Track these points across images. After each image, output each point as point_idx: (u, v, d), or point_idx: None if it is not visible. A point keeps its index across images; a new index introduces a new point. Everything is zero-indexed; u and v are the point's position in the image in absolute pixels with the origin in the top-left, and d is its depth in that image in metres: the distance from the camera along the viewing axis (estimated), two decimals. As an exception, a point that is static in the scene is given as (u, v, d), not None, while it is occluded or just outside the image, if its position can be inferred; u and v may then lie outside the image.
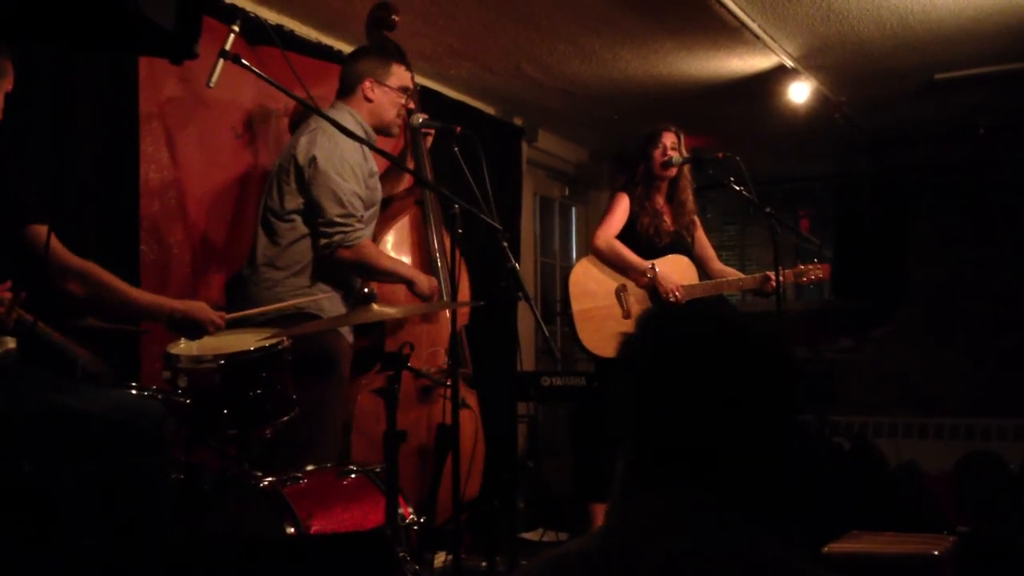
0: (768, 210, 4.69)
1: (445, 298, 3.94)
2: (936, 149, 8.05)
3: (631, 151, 8.12)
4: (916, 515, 4.77)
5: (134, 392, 2.78)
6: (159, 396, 2.79)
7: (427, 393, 3.97)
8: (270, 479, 2.74)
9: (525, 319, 5.26)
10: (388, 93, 3.67)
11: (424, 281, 3.82)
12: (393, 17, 4.04)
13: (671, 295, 4.58)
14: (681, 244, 4.78)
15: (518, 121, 7.32)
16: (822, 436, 6.62)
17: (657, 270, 4.59)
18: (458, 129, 3.60)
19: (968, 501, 5.60)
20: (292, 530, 2.59)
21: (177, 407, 2.77)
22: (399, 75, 3.78)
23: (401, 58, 3.85)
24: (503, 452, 4.35)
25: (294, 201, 3.55)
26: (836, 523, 4.35)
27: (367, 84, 3.68)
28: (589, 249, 4.78)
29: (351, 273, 3.75)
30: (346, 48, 5.28)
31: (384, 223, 4.04)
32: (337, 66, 5.02)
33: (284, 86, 3.49)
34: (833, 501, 4.80)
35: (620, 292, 4.64)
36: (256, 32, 4.24)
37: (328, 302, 3.57)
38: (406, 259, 4.03)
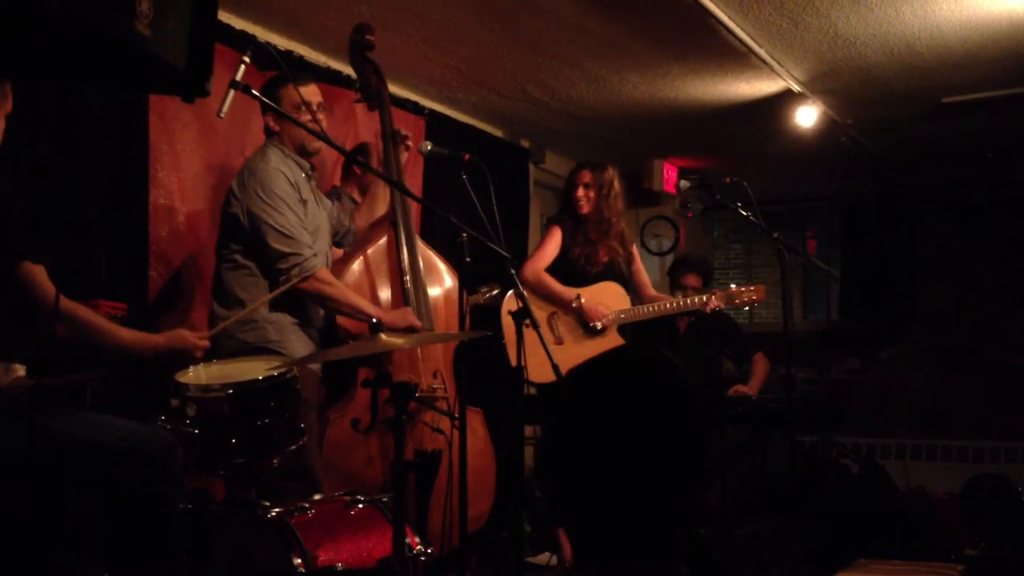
0: (775, 235, 4.70)
1: (423, 321, 3.90)
2: (943, 170, 8.05)
3: (636, 172, 8.22)
4: (924, 540, 4.74)
5: (142, 421, 2.79)
6: (167, 425, 2.79)
7: (409, 419, 3.73)
8: (278, 509, 2.74)
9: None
10: (309, 110, 3.63)
11: (394, 317, 3.75)
12: (368, 37, 4.07)
13: (597, 322, 4.69)
14: (614, 272, 4.82)
15: (525, 143, 7.35)
16: (829, 458, 6.61)
17: (583, 299, 4.70)
18: (467, 157, 3.58)
19: (976, 524, 5.56)
20: (299, 561, 2.59)
21: (185, 436, 2.77)
22: (289, 96, 3.69)
23: (308, 74, 3.87)
24: (510, 476, 4.30)
25: (231, 243, 3.60)
26: (843, 547, 4.33)
27: (269, 118, 3.70)
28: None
29: (316, 304, 3.74)
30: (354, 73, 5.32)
31: (358, 247, 4.01)
32: (347, 91, 5.07)
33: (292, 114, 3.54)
34: (840, 524, 4.78)
35: (551, 319, 4.72)
36: (266, 57, 4.28)
37: (276, 333, 3.57)
38: (383, 283, 3.96)
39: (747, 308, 5.17)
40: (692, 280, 5.68)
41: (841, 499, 5.40)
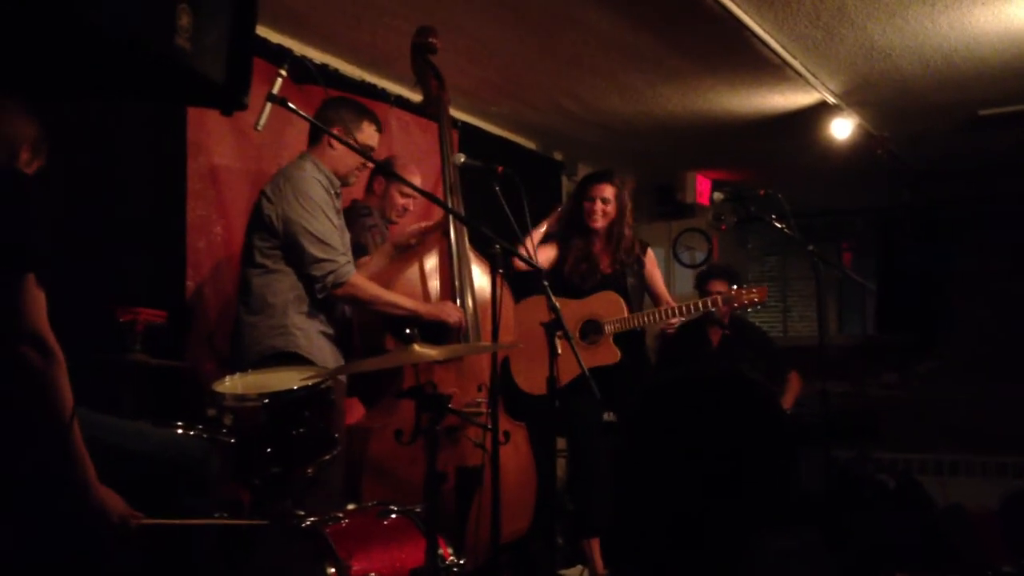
0: (811, 247, 4.66)
1: (471, 324, 3.92)
2: (980, 183, 7.97)
3: (669, 185, 8.19)
4: (961, 556, 4.69)
5: (179, 430, 2.82)
6: (204, 434, 2.82)
7: (451, 433, 3.79)
8: (312, 519, 2.75)
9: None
10: (351, 147, 3.66)
11: (432, 309, 3.80)
12: (431, 40, 4.06)
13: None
14: (616, 283, 4.73)
15: (558, 155, 7.37)
16: (865, 473, 6.54)
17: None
18: (499, 169, 3.60)
19: (1014, 540, 5.49)
20: (333, 570, 2.60)
21: (221, 445, 2.80)
22: (368, 133, 3.79)
23: (372, 118, 3.87)
24: (542, 488, 4.29)
25: (263, 247, 3.60)
26: (879, 563, 4.29)
27: (335, 132, 3.69)
28: None
29: (352, 308, 3.76)
30: (389, 86, 5.37)
31: (412, 256, 4.02)
32: (383, 104, 5.11)
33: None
34: (875, 540, 4.73)
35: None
36: (302, 71, 4.32)
37: (305, 339, 3.58)
38: (435, 291, 3.99)
39: (749, 310, 4.97)
40: (718, 287, 5.46)
41: (877, 515, 5.34)
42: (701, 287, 5.70)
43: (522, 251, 3.44)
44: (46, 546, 2.42)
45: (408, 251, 4.04)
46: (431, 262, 4.01)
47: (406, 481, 3.67)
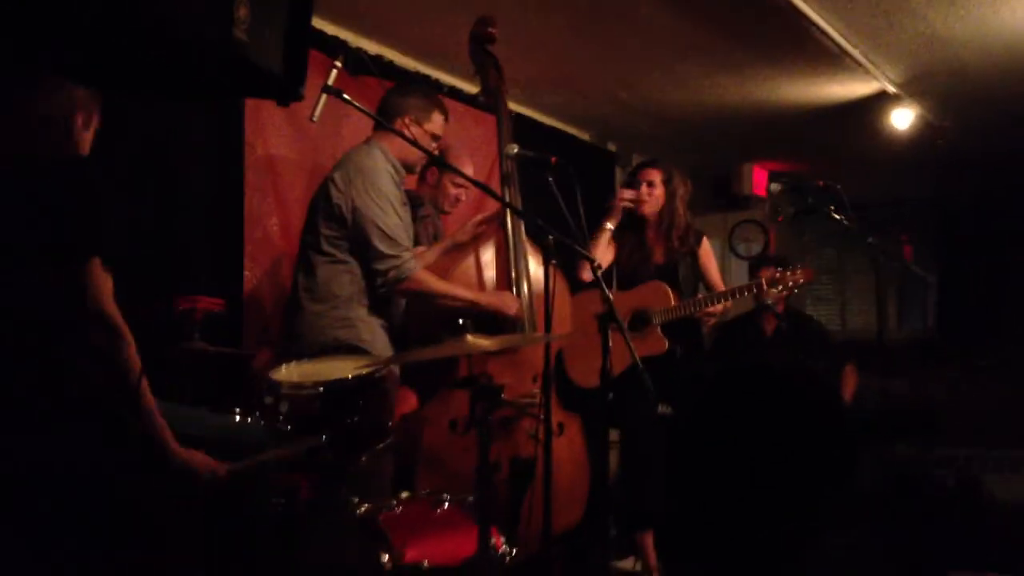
0: (870, 240, 4.59)
1: (527, 315, 3.93)
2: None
3: (725, 176, 8.11)
4: (1022, 555, 4.59)
5: (237, 417, 2.86)
6: (261, 421, 2.86)
7: (505, 424, 3.83)
8: (366, 506, 2.78)
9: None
10: (421, 135, 3.67)
11: (492, 299, 3.81)
12: (490, 30, 4.05)
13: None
14: (669, 273, 4.66)
15: (612, 147, 7.34)
16: (924, 470, 6.44)
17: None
18: (553, 160, 3.58)
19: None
20: (387, 557, 2.63)
21: (277, 432, 2.84)
22: (436, 122, 3.80)
23: (442, 107, 3.88)
24: (595, 484, 4.29)
25: (330, 236, 3.59)
26: (936, 561, 4.22)
27: (406, 120, 3.69)
28: None
29: (413, 301, 3.78)
30: (444, 77, 5.39)
31: (468, 247, 4.03)
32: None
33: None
34: (933, 537, 4.66)
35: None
36: (357, 63, 4.35)
37: (368, 332, 3.60)
38: (491, 282, 4.00)
39: (796, 291, 4.82)
40: (769, 274, 5.47)
41: (935, 512, 5.26)
42: (753, 275, 5.64)
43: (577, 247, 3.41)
44: (132, 515, 2.49)
45: (468, 245, 4.05)
46: (487, 253, 4.01)
47: (459, 471, 3.68)
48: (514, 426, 3.80)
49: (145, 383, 2.41)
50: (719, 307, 4.62)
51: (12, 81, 2.50)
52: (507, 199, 3.93)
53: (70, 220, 2.37)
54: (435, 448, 3.75)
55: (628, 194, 4.68)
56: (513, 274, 3.98)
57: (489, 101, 4.18)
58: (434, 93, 3.90)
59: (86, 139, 2.61)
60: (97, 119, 2.64)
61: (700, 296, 4.67)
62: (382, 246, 3.53)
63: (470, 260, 3.98)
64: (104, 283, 2.38)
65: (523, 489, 3.44)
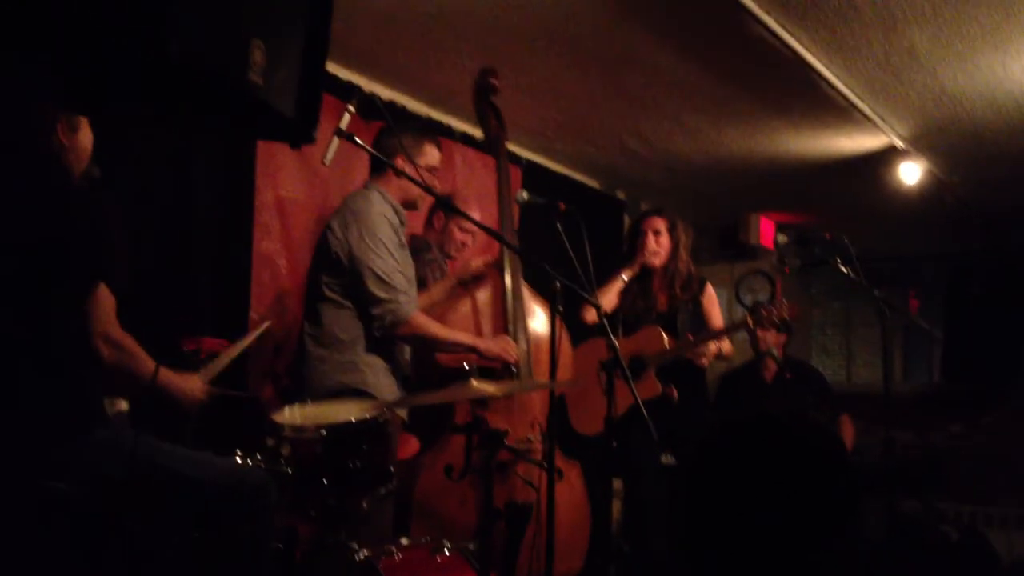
0: (876, 292, 4.58)
1: (524, 362, 3.92)
2: (1053, 231, 7.81)
3: (733, 226, 8.13)
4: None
5: (239, 459, 2.84)
6: (262, 464, 2.85)
7: (501, 469, 3.74)
8: (366, 552, 2.76)
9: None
10: (416, 172, 3.68)
11: (491, 345, 3.79)
12: (492, 81, 4.12)
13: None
14: (669, 319, 4.69)
15: (621, 195, 7.36)
16: (929, 525, 6.38)
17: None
18: (562, 206, 3.60)
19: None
20: (385, 604, 2.60)
21: (279, 475, 2.82)
22: (430, 154, 3.84)
23: (432, 138, 3.91)
24: (597, 531, 4.25)
25: (331, 282, 3.62)
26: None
27: (399, 161, 3.71)
28: None
29: (412, 346, 3.76)
30: (455, 123, 5.43)
31: (467, 292, 4.04)
32: (446, 139, 5.16)
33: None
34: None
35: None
36: (370, 107, 4.38)
37: (372, 376, 3.61)
38: (487, 325, 3.99)
39: (813, 355, 4.87)
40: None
41: (940, 568, 5.21)
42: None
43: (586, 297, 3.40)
44: None
45: (469, 285, 4.06)
46: (483, 298, 4.02)
47: (454, 518, 3.66)
48: (510, 472, 3.77)
49: (162, 371, 2.66)
50: (711, 347, 4.62)
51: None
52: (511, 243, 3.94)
53: (77, 246, 2.49)
54: (429, 494, 3.72)
55: (654, 252, 4.70)
56: (511, 320, 3.97)
57: (491, 150, 4.22)
58: (422, 126, 3.94)
59: (77, 144, 2.67)
60: (86, 142, 2.70)
61: (691, 337, 4.67)
62: (377, 290, 3.55)
63: (468, 305, 3.99)
64: (109, 304, 2.55)
65: (520, 535, 3.41)
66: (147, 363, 2.65)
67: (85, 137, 2.69)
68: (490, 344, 3.82)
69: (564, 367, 4.09)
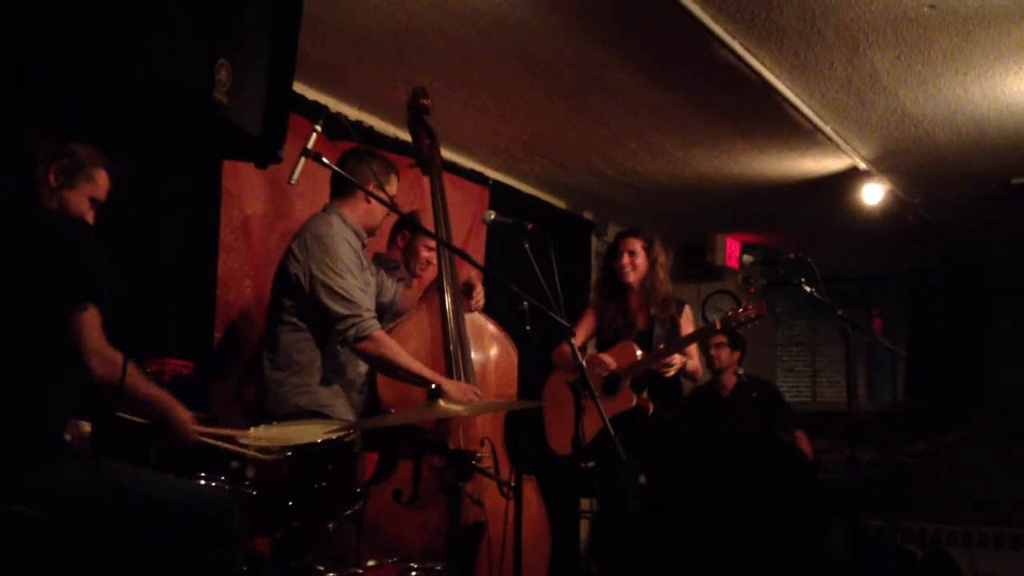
0: (840, 312, 4.62)
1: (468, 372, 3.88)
2: (1014, 251, 7.91)
3: (699, 246, 8.18)
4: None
5: (203, 481, 2.81)
6: (227, 486, 2.82)
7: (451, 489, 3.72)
8: (332, 574, 2.73)
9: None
10: (385, 203, 3.65)
11: (454, 390, 3.64)
12: (423, 101, 4.14)
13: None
14: (645, 337, 4.72)
15: (588, 215, 7.39)
16: (893, 543, 6.42)
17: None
18: (529, 226, 3.60)
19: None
20: (351, 627, 2.58)
21: (243, 498, 2.79)
22: (394, 184, 3.88)
23: (396, 170, 3.93)
24: (564, 553, 4.23)
25: (289, 305, 3.61)
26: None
27: (371, 187, 3.68)
28: None
29: (372, 366, 3.74)
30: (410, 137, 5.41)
31: (408, 313, 4.01)
32: (413, 160, 5.15)
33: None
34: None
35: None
36: (337, 127, 4.37)
37: (328, 397, 3.59)
38: (427, 347, 3.92)
39: (749, 327, 4.84)
40: (719, 337, 5.79)
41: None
42: (703, 342, 5.76)
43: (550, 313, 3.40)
44: None
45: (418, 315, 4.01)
46: (424, 321, 3.97)
47: (404, 541, 3.56)
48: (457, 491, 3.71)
49: (131, 368, 2.64)
50: (677, 359, 4.63)
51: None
52: (453, 261, 3.93)
53: (73, 273, 2.61)
54: (376, 518, 3.58)
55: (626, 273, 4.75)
56: (453, 339, 3.90)
57: (423, 169, 4.21)
58: (388, 160, 3.94)
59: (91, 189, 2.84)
60: (100, 192, 2.87)
61: (660, 347, 4.67)
62: (338, 307, 3.54)
63: (405, 326, 3.90)
64: (97, 323, 2.62)
65: (475, 555, 3.39)
66: (137, 376, 2.70)
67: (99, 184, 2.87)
68: (451, 387, 3.66)
69: (508, 381, 4.10)
